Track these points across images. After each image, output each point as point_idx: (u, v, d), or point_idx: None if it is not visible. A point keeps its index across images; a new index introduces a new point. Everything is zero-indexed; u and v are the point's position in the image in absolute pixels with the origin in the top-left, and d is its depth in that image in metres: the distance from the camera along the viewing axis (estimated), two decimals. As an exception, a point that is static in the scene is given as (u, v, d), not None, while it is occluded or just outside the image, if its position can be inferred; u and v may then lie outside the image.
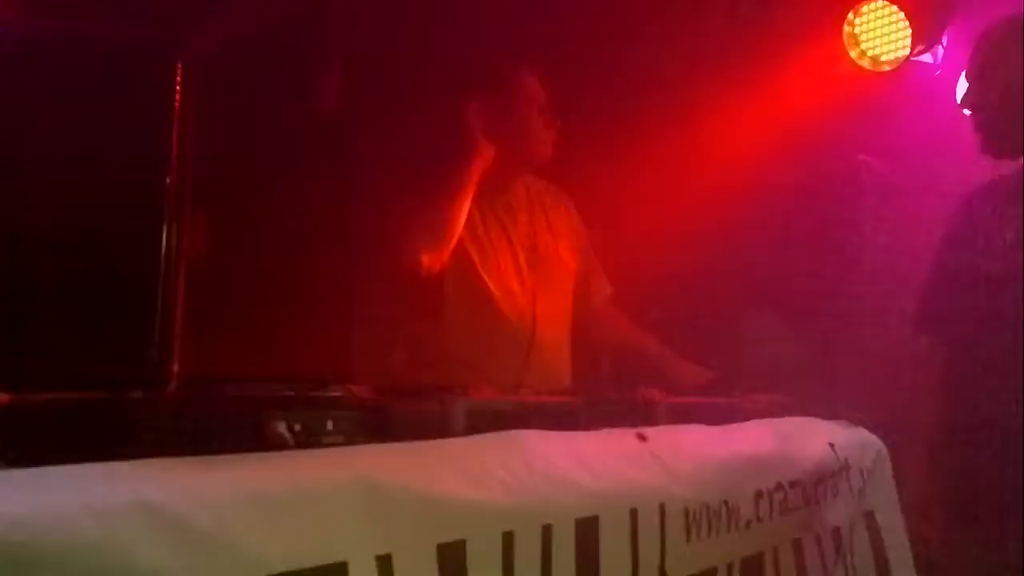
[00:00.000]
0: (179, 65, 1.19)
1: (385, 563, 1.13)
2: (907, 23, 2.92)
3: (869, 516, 2.10)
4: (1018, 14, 2.20)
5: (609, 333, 2.56)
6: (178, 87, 1.17)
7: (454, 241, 2.23)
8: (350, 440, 1.32)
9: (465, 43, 2.60)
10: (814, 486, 1.94)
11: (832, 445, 2.04)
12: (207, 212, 1.46)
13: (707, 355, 2.60)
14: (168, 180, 1.16)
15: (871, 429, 2.22)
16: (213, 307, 1.41)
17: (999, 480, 2.05)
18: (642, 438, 1.64)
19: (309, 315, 1.75)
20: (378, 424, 1.36)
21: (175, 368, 1.15)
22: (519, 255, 2.40)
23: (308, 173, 2.05)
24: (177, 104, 1.17)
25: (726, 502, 1.67)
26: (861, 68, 2.95)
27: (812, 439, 2.04)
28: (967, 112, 2.22)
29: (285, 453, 1.22)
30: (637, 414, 1.77)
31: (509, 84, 2.38)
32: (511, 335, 2.31)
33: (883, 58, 2.96)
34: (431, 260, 2.19)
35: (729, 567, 1.65)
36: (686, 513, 1.56)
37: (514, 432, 1.46)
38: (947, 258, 2.22)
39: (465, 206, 2.26)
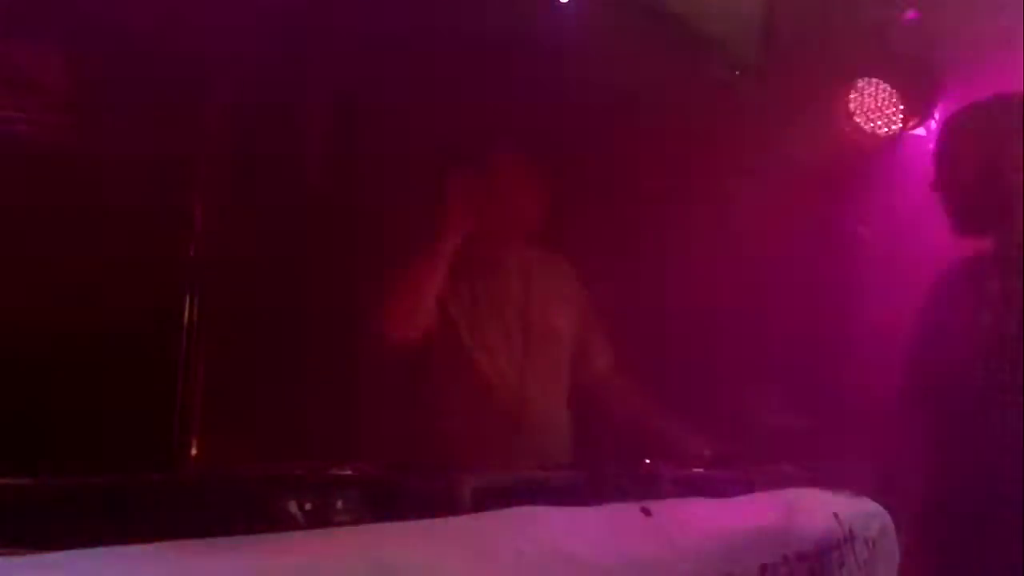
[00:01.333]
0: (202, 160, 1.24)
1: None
2: (899, 100, 2.99)
3: (876, 588, 2.08)
4: (979, 100, 2.27)
5: (610, 402, 2.54)
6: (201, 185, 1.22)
7: (423, 315, 2.23)
8: (359, 518, 1.33)
9: (456, 118, 2.65)
10: (820, 558, 1.93)
11: (837, 516, 2.04)
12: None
13: (709, 425, 2.59)
14: (190, 255, 1.20)
15: (875, 499, 2.21)
16: (227, 392, 1.43)
17: (1000, 554, 2.04)
18: (647, 512, 1.64)
19: (320, 397, 1.77)
20: (386, 502, 1.37)
21: (193, 451, 1.18)
22: (510, 327, 2.39)
23: (313, 255, 2.09)
24: (199, 185, 1.22)
25: (731, 576, 1.66)
26: (855, 142, 3.02)
27: (817, 510, 2.03)
28: (936, 194, 2.28)
29: (295, 533, 1.23)
30: (641, 487, 1.77)
31: (497, 160, 2.41)
32: (499, 411, 2.30)
33: (877, 133, 3.03)
34: (401, 335, 2.20)
35: (736, 643, 1.64)
36: (691, 589, 1.56)
37: (520, 509, 1.47)
38: (929, 334, 2.25)
39: (433, 279, 2.25)
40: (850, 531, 2.05)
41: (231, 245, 1.65)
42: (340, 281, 2.24)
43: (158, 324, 1.12)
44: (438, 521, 1.36)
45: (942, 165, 2.28)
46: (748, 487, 2.01)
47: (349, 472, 1.38)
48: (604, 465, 1.78)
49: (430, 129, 2.56)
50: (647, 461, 2.03)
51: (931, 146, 2.86)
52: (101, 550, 1.04)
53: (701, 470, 2.03)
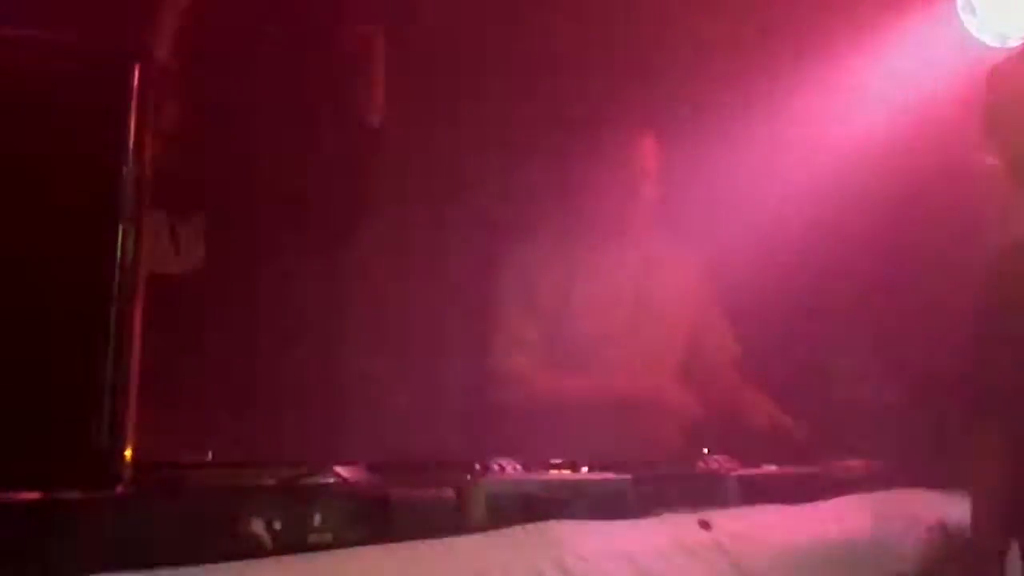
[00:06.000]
0: (136, 67, 1.23)
1: None
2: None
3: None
4: None
5: (723, 396, 2.64)
6: (135, 91, 1.20)
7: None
8: (342, 538, 1.30)
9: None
10: (922, 578, 1.91)
11: (944, 526, 2.00)
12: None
13: (786, 400, 2.56)
14: (121, 195, 1.17)
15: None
16: (174, 376, 1.39)
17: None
18: (706, 526, 1.61)
19: (293, 386, 1.71)
20: (377, 516, 1.34)
21: (127, 457, 1.14)
22: (621, 308, 2.51)
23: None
24: (134, 112, 1.19)
25: (812, 605, 1.64)
26: (980, 44, 2.88)
27: (919, 518, 2.00)
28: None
29: (259, 563, 1.20)
30: (700, 491, 1.74)
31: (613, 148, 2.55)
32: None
33: (1008, 32, 2.89)
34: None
35: None
36: (762, 623, 1.54)
37: (547, 525, 1.43)
38: None
39: None
40: (960, 543, 2.01)
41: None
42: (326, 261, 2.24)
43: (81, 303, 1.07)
44: (443, 543, 1.32)
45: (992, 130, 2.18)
46: (833, 489, 1.97)
47: (329, 480, 1.35)
48: (654, 465, 1.75)
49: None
50: (705, 451, 2.01)
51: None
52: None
53: (774, 468, 2.00)
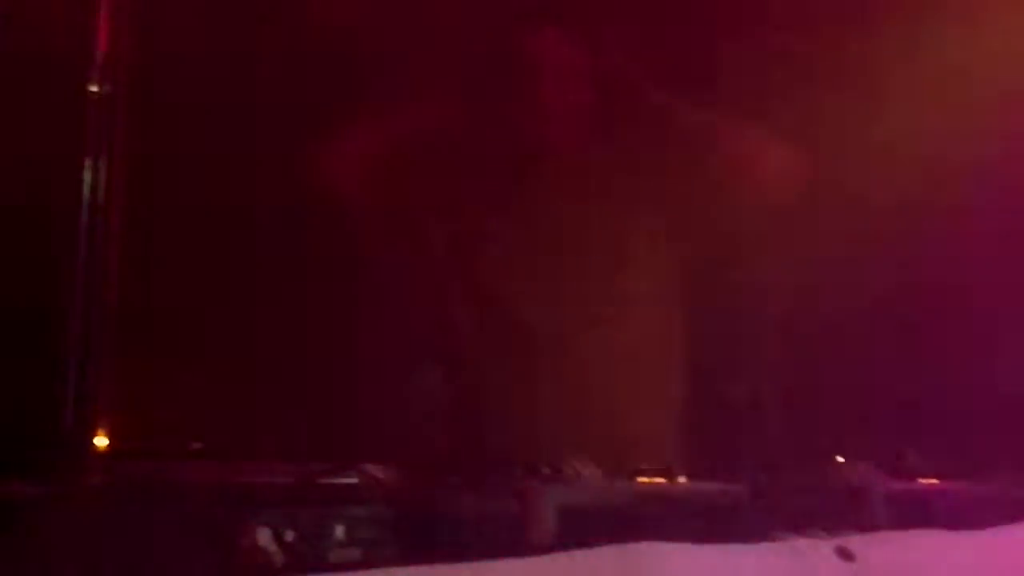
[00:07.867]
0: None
1: None
2: None
3: None
4: None
5: None
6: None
7: None
8: (372, 556, 1.31)
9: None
10: None
11: None
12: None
13: (930, 387, 2.54)
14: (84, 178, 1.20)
15: None
16: (155, 342, 1.41)
17: None
18: (846, 555, 1.62)
19: (309, 354, 1.73)
20: (417, 529, 1.36)
21: (96, 443, 1.17)
22: None
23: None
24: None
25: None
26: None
27: None
28: None
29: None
30: (838, 509, 1.75)
31: None
32: None
33: None
34: None
35: None
36: None
37: (636, 547, 1.44)
38: None
39: None
40: None
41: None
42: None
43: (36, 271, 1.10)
44: (504, 567, 1.34)
45: None
46: (1018, 510, 1.96)
47: (359, 481, 1.37)
48: (771, 473, 1.76)
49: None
50: (840, 460, 2.02)
51: None
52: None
53: (937, 482, 1.99)
